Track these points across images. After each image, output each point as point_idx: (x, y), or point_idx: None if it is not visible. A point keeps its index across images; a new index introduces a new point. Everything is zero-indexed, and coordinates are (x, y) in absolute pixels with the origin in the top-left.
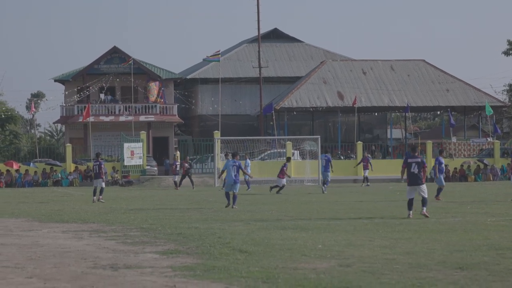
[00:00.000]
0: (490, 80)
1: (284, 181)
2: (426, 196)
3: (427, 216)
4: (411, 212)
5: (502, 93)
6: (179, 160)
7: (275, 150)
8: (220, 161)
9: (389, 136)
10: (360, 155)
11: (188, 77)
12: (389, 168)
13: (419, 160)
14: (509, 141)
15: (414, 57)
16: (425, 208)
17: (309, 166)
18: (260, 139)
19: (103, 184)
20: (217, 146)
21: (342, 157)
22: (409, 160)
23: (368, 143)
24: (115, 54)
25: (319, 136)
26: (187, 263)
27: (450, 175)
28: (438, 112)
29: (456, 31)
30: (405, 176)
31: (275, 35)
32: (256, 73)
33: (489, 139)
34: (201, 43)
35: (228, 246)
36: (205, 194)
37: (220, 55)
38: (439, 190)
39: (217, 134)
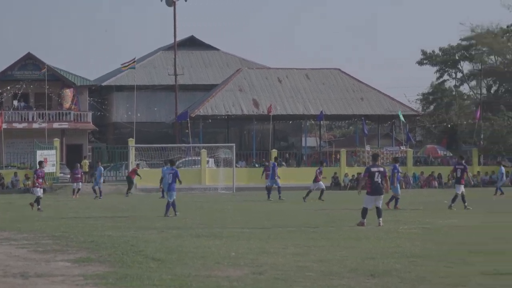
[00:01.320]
0: (404, 90)
1: (322, 184)
2: (380, 206)
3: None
4: (365, 220)
5: (416, 102)
6: (87, 169)
7: (190, 158)
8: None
9: (303, 144)
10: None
11: (103, 84)
12: (303, 176)
13: (382, 169)
14: (421, 150)
15: (329, 66)
16: (381, 219)
17: (223, 174)
18: (174, 147)
19: (39, 193)
20: (132, 153)
21: (257, 165)
22: (372, 170)
23: (283, 151)
24: (29, 61)
25: (234, 144)
26: (99, 271)
27: None
28: (353, 121)
29: (370, 40)
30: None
31: (192, 43)
32: (172, 81)
33: (402, 148)
34: (116, 50)
35: (141, 254)
36: (118, 202)
37: (135, 63)
38: (396, 199)
39: (131, 142)
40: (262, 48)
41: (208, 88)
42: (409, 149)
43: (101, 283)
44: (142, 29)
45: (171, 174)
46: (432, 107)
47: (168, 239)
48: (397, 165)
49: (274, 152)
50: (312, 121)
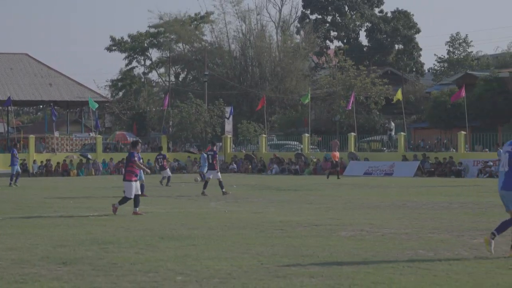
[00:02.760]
0: (94, 75)
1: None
2: (125, 195)
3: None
4: (117, 205)
5: (105, 88)
6: None
7: None
8: None
9: None
10: None
11: None
12: None
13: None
14: (111, 136)
15: (17, 51)
16: (137, 208)
17: None
18: None
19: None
20: None
21: None
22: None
23: None
24: None
25: None
26: None
27: (53, 169)
28: (41, 107)
29: (59, 24)
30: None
31: None
32: None
33: (91, 134)
34: None
35: None
36: None
37: None
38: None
39: None
40: None
41: None
42: (99, 136)
43: None
44: None
45: None
46: (121, 93)
47: None
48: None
49: None
50: (0, 107)
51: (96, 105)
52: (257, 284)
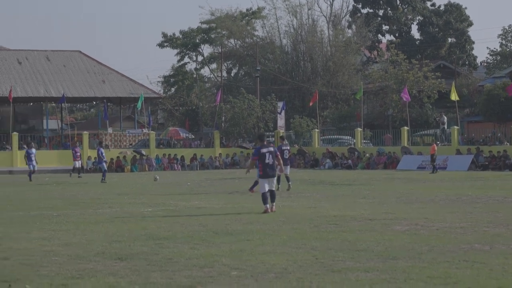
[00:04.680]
0: (146, 71)
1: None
2: (274, 189)
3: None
4: (268, 205)
5: (157, 84)
6: None
7: None
8: None
9: (45, 127)
10: (16, 146)
11: None
12: (46, 159)
13: (272, 149)
14: (164, 132)
15: (70, 48)
16: (274, 204)
17: None
18: None
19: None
20: None
21: None
22: (262, 151)
23: (24, 134)
24: None
25: None
26: None
27: (107, 165)
28: (94, 103)
29: (110, 21)
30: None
31: None
32: None
33: (144, 130)
34: None
35: None
36: None
37: None
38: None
39: None
40: (1, 29)
41: None
42: (152, 132)
43: None
44: None
45: None
46: (173, 89)
47: None
48: (100, 148)
49: (15, 135)
50: (54, 104)
51: (139, 106)
52: (312, 278)
